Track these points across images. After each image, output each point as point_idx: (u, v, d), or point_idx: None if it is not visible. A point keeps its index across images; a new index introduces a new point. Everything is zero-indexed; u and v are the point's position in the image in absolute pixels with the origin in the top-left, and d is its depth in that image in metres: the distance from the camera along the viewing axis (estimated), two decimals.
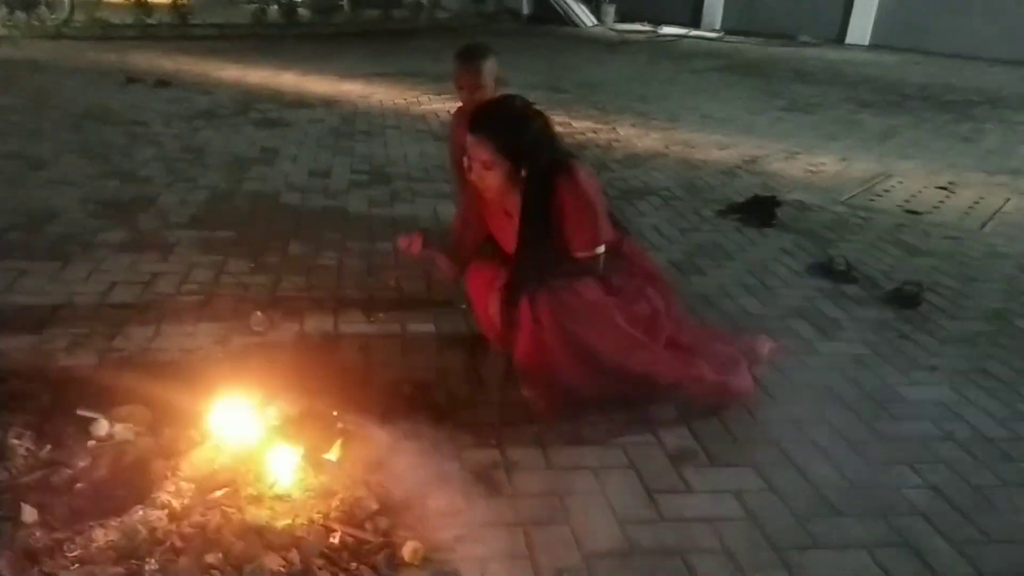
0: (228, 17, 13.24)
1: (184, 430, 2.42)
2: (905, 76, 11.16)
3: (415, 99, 8.15)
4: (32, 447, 2.35)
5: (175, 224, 4.37)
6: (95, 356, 2.97)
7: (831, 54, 13.21)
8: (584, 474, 2.47)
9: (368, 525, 2.14)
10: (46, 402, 2.58)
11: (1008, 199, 5.59)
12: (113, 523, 2.07)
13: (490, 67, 3.43)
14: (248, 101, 7.66)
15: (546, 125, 2.72)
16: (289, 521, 2.10)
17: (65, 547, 1.99)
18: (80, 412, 2.49)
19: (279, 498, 2.19)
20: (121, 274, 3.68)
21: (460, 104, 3.65)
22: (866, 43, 14.31)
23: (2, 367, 2.81)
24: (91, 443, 2.38)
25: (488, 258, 2.96)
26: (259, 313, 3.27)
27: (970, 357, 3.29)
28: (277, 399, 2.50)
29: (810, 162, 6.35)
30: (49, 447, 2.36)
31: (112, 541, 2.02)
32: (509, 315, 2.82)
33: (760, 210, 4.94)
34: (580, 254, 2.72)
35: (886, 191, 5.66)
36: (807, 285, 3.97)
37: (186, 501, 2.15)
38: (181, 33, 12.08)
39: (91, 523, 2.07)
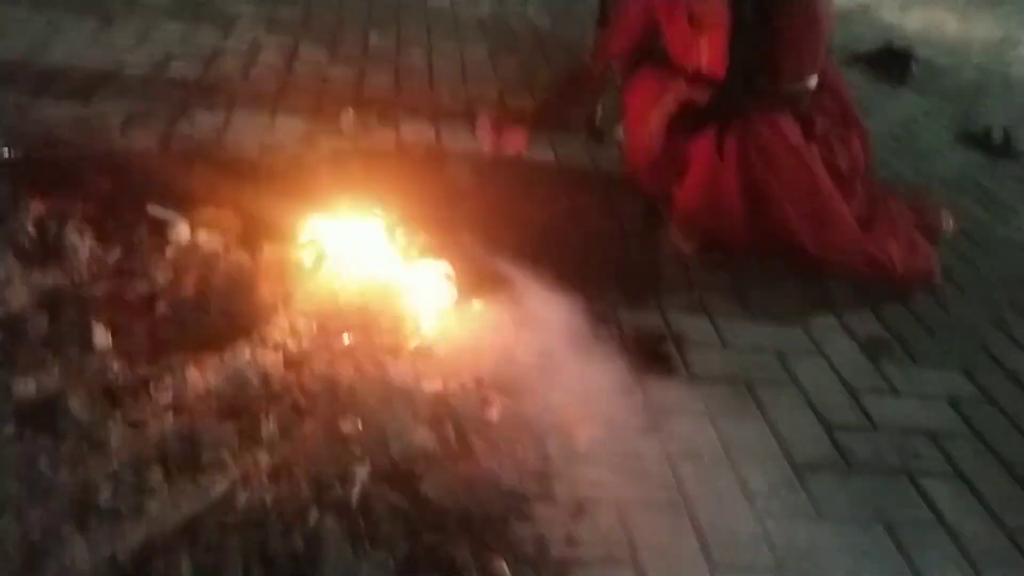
0: None
1: (288, 247, 1.91)
2: None
3: None
4: (96, 248, 1.85)
5: None
6: (157, 138, 2.42)
7: None
8: (768, 358, 2.01)
9: (529, 399, 1.68)
10: (106, 190, 2.05)
11: None
12: (212, 362, 1.60)
13: None
14: None
15: None
16: (440, 387, 1.64)
17: (152, 389, 1.52)
18: (151, 210, 1.98)
19: (421, 353, 1.72)
20: (176, 45, 3.08)
21: None
22: None
23: (49, 138, 2.26)
24: (170, 251, 1.88)
25: (658, 67, 2.36)
26: (351, 111, 2.70)
27: None
28: (403, 221, 1.98)
29: (928, 17, 5.63)
30: (118, 250, 1.86)
31: (214, 388, 1.55)
32: (675, 143, 2.31)
33: (894, 64, 4.30)
34: (788, 83, 2.18)
35: (1020, 57, 5.01)
36: (960, 156, 3.44)
37: (305, 344, 1.67)
38: None
39: (182, 358, 1.59)
